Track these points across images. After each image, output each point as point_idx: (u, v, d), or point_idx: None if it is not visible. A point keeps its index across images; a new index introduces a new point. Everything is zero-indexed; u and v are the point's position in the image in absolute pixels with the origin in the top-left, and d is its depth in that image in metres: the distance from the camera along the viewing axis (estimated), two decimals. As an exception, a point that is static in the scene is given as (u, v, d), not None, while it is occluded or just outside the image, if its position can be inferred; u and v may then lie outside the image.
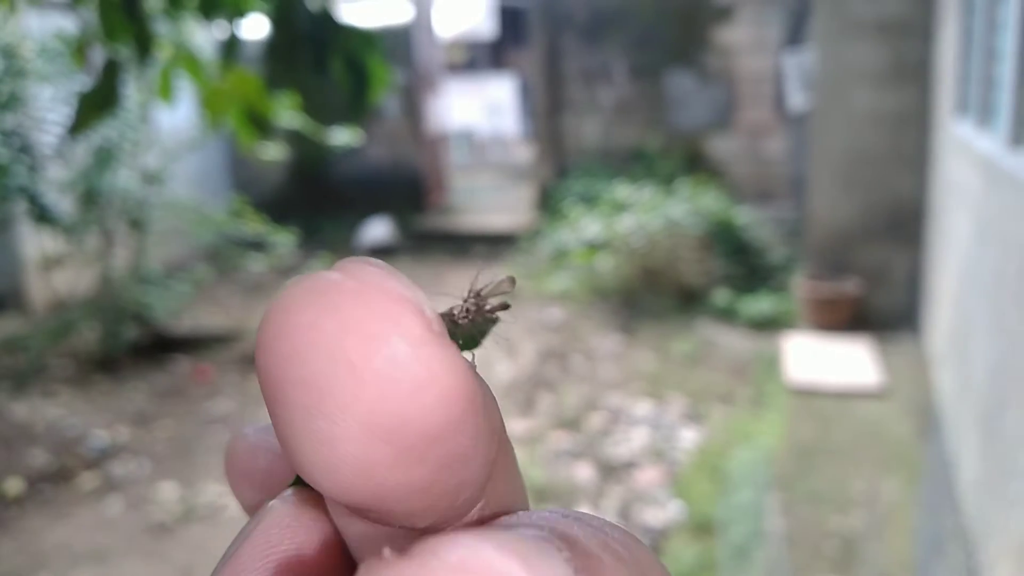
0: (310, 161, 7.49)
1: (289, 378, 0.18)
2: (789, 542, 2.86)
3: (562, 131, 7.31)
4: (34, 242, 4.93)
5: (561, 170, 7.27)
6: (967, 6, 3.71)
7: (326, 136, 4.62)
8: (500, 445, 0.20)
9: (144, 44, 1.69)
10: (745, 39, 6.78)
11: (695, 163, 6.78)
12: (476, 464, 0.18)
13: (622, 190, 6.15)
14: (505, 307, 0.24)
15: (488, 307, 0.23)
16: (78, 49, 1.98)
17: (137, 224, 4.73)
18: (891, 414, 3.77)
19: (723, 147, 6.91)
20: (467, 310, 0.23)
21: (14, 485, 3.39)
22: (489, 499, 0.20)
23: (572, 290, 5.60)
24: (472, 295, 0.24)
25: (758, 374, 4.29)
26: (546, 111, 7.34)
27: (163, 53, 2.03)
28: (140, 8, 1.69)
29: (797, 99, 5.87)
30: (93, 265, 4.69)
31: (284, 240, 5.25)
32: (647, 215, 5.58)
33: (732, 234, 5.66)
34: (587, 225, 5.94)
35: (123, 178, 4.60)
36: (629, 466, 3.41)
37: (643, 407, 3.95)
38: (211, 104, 2.01)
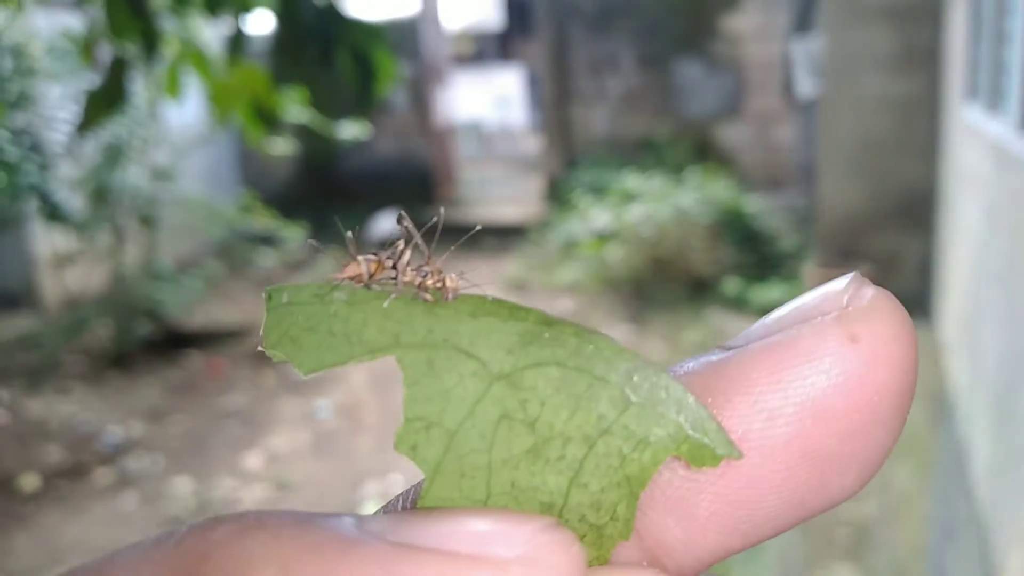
0: (318, 155, 7.51)
1: None
2: (802, 530, 2.86)
3: (570, 122, 7.30)
4: (46, 240, 4.96)
5: (570, 161, 7.26)
6: (976, -10, 3.69)
7: (334, 130, 4.63)
8: None
9: (151, 41, 1.70)
10: (753, 26, 6.75)
11: (704, 152, 6.77)
12: None
13: (631, 180, 6.14)
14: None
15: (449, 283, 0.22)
16: (86, 47, 1.99)
17: (147, 221, 4.75)
18: (903, 401, 3.75)
19: (732, 135, 6.89)
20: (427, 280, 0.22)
21: (30, 481, 3.41)
22: None
23: (582, 281, 5.60)
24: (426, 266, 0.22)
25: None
26: (554, 102, 7.33)
27: (170, 50, 2.04)
28: (146, 5, 1.70)
29: (806, 86, 5.84)
30: (105, 262, 4.71)
31: (294, 234, 5.27)
32: (656, 205, 5.57)
33: (742, 222, 5.65)
34: (596, 215, 5.94)
35: (133, 175, 4.62)
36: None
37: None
38: (219, 100, 2.02)
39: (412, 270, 0.22)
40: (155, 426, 3.90)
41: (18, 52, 3.93)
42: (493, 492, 0.19)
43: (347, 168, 7.96)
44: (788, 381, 0.19)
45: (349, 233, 0.24)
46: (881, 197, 4.79)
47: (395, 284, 0.22)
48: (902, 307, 0.20)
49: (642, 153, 6.87)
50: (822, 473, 0.19)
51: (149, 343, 4.73)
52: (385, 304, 0.21)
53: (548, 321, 0.20)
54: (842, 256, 4.83)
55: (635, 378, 0.19)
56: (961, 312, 3.74)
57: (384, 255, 0.23)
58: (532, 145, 10.05)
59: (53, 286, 5.16)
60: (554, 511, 0.19)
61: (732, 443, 0.19)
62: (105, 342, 4.67)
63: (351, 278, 0.22)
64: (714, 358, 0.20)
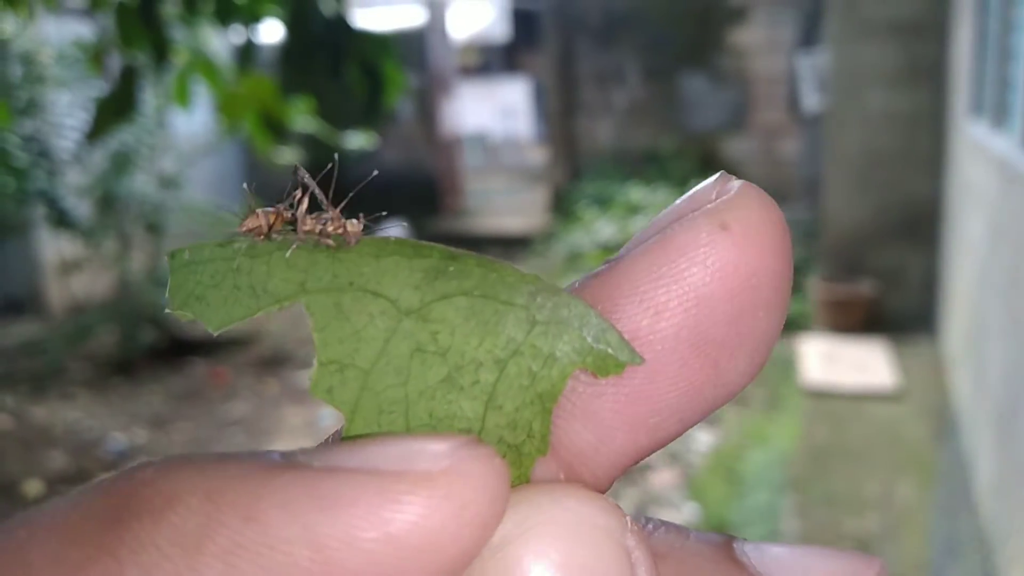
0: (325, 165, 7.52)
1: None
2: (804, 544, 2.85)
3: (576, 133, 7.32)
4: (52, 246, 4.98)
5: (575, 172, 7.28)
6: (982, 6, 3.70)
7: (341, 140, 4.64)
8: None
9: (161, 50, 1.71)
10: (759, 40, 6.77)
11: (709, 165, 6.77)
12: None
13: (636, 192, 6.15)
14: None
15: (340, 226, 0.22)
16: (95, 55, 2.01)
17: (154, 228, 4.77)
18: (906, 416, 3.75)
19: (737, 148, 6.90)
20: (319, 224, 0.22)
21: (33, 487, 3.42)
22: None
23: (586, 292, 5.59)
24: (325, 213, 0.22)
25: (773, 376, 4.28)
26: (559, 113, 7.35)
27: (179, 59, 2.05)
28: (156, 14, 1.71)
29: (811, 100, 5.85)
30: (111, 269, 4.73)
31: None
32: (661, 217, 5.57)
33: (746, 236, 5.64)
34: (601, 227, 5.94)
35: (140, 182, 4.64)
36: (644, 468, 3.42)
37: (657, 409, 3.94)
38: (227, 109, 2.03)
39: (311, 218, 0.22)
40: (159, 433, 3.91)
41: (28, 59, 3.96)
42: (412, 424, 0.20)
43: (353, 178, 7.95)
44: (668, 276, 0.20)
45: (244, 185, 0.24)
46: (886, 212, 4.79)
47: (296, 234, 0.22)
48: (768, 196, 0.22)
49: (647, 165, 6.88)
50: (715, 360, 0.20)
51: (153, 350, 4.74)
52: (287, 254, 0.21)
53: (452, 255, 0.20)
54: (847, 270, 4.83)
55: (538, 299, 0.20)
56: (965, 327, 3.73)
57: (283, 206, 0.23)
58: (537, 156, 10.06)
59: (59, 292, 5.17)
60: (472, 435, 0.20)
61: (633, 350, 0.20)
62: (110, 349, 4.68)
63: (251, 231, 0.22)
64: (600, 269, 0.21)
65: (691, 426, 0.21)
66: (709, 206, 0.21)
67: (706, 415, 0.21)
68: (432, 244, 0.21)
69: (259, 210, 0.22)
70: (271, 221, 0.22)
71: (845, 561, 0.23)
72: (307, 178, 0.24)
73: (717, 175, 0.22)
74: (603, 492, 0.21)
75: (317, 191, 0.23)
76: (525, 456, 0.20)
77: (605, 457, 0.21)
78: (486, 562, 0.18)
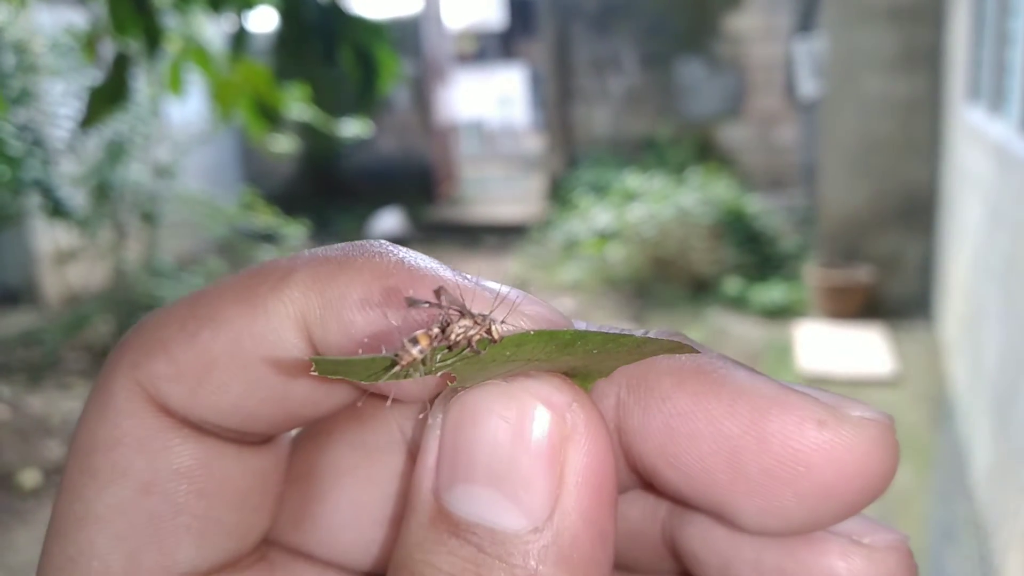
0: (320, 153, 7.51)
1: None
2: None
3: (572, 121, 7.30)
4: (48, 236, 4.97)
5: (571, 160, 7.26)
6: (979, -9, 3.68)
7: (336, 128, 4.62)
8: None
9: (153, 38, 1.70)
10: (755, 26, 6.75)
11: (706, 152, 6.76)
12: None
13: (632, 179, 6.15)
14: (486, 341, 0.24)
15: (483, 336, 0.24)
16: (88, 43, 1.99)
17: (149, 217, 4.75)
18: (904, 402, 3.76)
19: (734, 135, 6.89)
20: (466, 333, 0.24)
21: (31, 477, 3.42)
22: None
23: (583, 280, 5.60)
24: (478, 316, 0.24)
25: (770, 363, 4.29)
26: (556, 101, 7.33)
27: (172, 46, 2.04)
28: (149, 2, 1.70)
29: (808, 86, 5.84)
30: (106, 258, 4.71)
31: (295, 232, 5.27)
32: (658, 204, 5.57)
33: (743, 223, 5.65)
34: (598, 215, 5.94)
35: (135, 172, 4.62)
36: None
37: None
38: (221, 97, 2.02)
39: (460, 336, 0.24)
40: (156, 423, 3.90)
41: (21, 48, 3.94)
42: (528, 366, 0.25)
43: (349, 166, 7.96)
44: (753, 409, 0.24)
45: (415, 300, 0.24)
46: (883, 197, 4.79)
47: (448, 350, 0.23)
48: (891, 439, 0.24)
49: (644, 153, 6.87)
50: (731, 484, 0.24)
51: (150, 340, 4.73)
52: (437, 367, 0.23)
53: (582, 334, 0.24)
54: (844, 257, 4.83)
55: (640, 347, 0.25)
56: (962, 312, 3.74)
57: (433, 331, 0.23)
58: (534, 144, 10.05)
59: (54, 282, 5.16)
60: (569, 366, 0.25)
61: (682, 344, 0.25)
62: (106, 338, 4.68)
63: (412, 362, 0.23)
64: (731, 366, 0.26)
65: (702, 505, 0.25)
66: (833, 401, 0.24)
67: (715, 509, 0.25)
68: (566, 329, 0.24)
69: (415, 346, 0.23)
70: (427, 352, 0.23)
71: (870, 525, 0.27)
72: (452, 297, 0.24)
73: (886, 418, 0.24)
74: (636, 476, 0.27)
75: (463, 307, 0.24)
76: (592, 375, 0.26)
77: (637, 443, 0.25)
78: (448, 406, 0.23)
